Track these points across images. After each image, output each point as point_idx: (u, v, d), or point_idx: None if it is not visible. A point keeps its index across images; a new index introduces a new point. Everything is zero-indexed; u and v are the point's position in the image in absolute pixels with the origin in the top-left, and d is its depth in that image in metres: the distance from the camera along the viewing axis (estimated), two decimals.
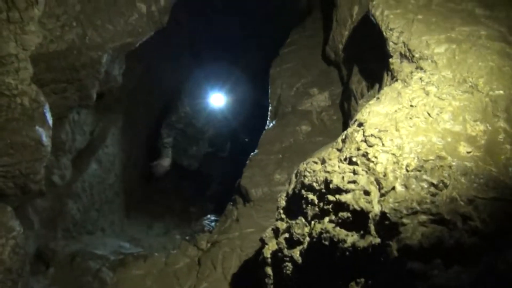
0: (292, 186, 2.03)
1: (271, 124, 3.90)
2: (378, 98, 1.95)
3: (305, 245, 1.73)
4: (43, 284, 3.73)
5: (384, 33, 2.36)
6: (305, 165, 1.94)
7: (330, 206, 1.68)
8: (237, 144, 6.19)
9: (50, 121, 3.63)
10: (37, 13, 3.15)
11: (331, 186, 1.70)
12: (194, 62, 6.09)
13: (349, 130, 1.87)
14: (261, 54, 5.00)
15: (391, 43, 2.29)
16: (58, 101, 4.28)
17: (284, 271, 1.81)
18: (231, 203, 3.45)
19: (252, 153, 3.63)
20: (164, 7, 4.16)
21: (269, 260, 1.95)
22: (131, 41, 4.28)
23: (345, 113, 3.42)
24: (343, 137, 1.90)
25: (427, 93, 1.84)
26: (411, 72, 2.05)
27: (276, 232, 1.96)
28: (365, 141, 1.72)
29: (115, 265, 3.70)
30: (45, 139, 3.52)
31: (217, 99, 5.85)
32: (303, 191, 1.86)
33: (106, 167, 5.98)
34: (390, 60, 2.30)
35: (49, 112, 3.60)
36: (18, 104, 3.38)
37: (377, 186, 1.59)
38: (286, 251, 1.78)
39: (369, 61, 3.05)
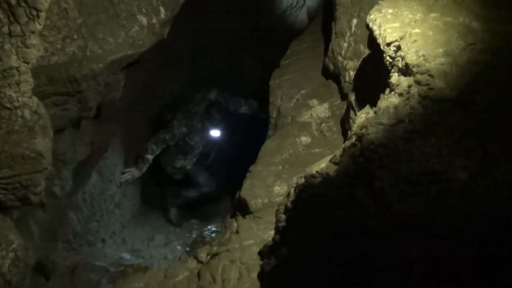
0: (291, 199, 2.04)
1: (271, 136, 3.91)
2: (375, 112, 1.97)
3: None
4: None
5: (382, 47, 2.38)
6: (303, 179, 1.95)
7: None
8: (221, 152, 6.16)
9: (51, 133, 3.65)
10: (38, 26, 3.17)
11: None
12: (194, 75, 6.09)
13: (347, 143, 1.88)
14: (261, 65, 5.02)
15: (388, 57, 2.32)
16: (59, 113, 4.31)
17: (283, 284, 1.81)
18: (230, 214, 3.45)
19: (252, 165, 3.64)
20: (164, 19, 4.19)
21: (268, 275, 1.95)
22: (132, 53, 4.31)
23: (344, 124, 3.44)
24: (341, 151, 1.92)
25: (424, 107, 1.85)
26: (409, 86, 2.06)
27: (275, 247, 1.97)
28: (363, 155, 1.73)
29: (115, 277, 3.70)
30: (46, 151, 3.54)
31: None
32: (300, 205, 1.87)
33: (107, 178, 5.98)
34: (389, 74, 2.32)
35: (49, 124, 3.62)
36: (19, 117, 3.40)
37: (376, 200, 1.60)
38: (283, 266, 1.79)
39: (368, 73, 3.07)
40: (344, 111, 3.65)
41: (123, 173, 5.68)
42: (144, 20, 4.01)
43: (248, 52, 5.76)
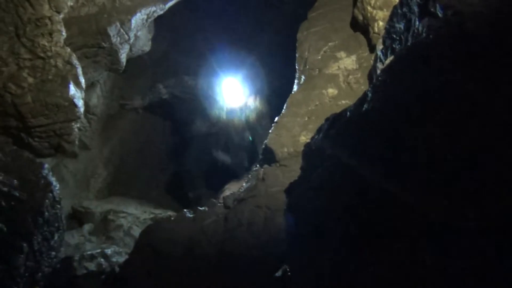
0: (316, 137, 2.07)
1: (298, 87, 3.91)
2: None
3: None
4: (77, 239, 3.91)
5: None
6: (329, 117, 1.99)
7: None
8: None
9: (83, 84, 3.75)
10: None
11: None
12: (219, 31, 6.01)
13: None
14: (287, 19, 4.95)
15: (418, 1, 2.28)
16: (89, 65, 4.40)
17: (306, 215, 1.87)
18: (257, 164, 3.51)
19: (278, 116, 3.67)
20: None
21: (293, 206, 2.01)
22: (160, 5, 4.33)
23: (372, 76, 3.42)
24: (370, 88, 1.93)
25: None
26: (440, 27, 2.03)
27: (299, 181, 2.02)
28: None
29: (145, 222, 3.85)
30: (78, 100, 3.64)
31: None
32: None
33: (136, 133, 6.13)
34: (419, 18, 2.29)
35: (81, 75, 3.71)
36: (52, 66, 3.49)
37: None
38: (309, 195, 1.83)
39: (397, 22, 3.02)
40: (372, 63, 3.61)
41: None
42: None
43: (276, 5, 5.66)
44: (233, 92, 6.43)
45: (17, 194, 2.89)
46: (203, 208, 3.17)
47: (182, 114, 6.62)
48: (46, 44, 3.43)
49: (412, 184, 1.41)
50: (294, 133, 3.42)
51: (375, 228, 1.39)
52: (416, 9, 2.42)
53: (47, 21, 3.36)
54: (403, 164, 1.46)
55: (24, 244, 2.81)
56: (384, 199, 1.43)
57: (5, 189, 2.82)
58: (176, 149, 6.62)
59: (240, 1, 5.74)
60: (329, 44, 4.06)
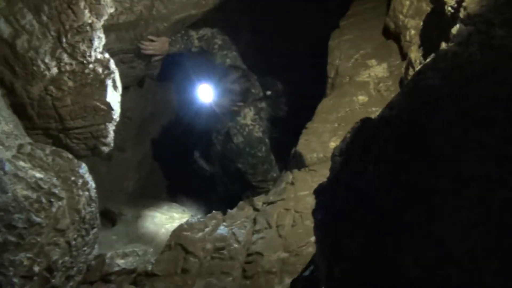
0: (346, 142, 2.12)
1: (328, 95, 3.97)
2: (433, 59, 1.99)
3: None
4: (109, 238, 4.04)
5: None
6: (358, 123, 2.03)
7: None
8: None
9: (120, 88, 3.89)
10: None
11: None
12: (251, 40, 6.09)
13: (403, 89, 1.92)
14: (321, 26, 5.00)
15: (449, 8, 2.31)
16: (125, 70, 4.56)
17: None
18: (286, 168, 3.57)
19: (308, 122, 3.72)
20: None
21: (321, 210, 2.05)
22: (195, 12, 4.46)
23: (402, 83, 3.44)
24: (396, 96, 1.96)
25: None
26: (470, 35, 2.06)
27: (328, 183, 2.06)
28: (419, 97, 1.78)
29: (175, 223, 3.95)
30: (115, 104, 3.79)
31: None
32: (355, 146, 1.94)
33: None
34: (450, 26, 2.32)
35: (119, 80, 3.85)
36: (92, 71, 3.65)
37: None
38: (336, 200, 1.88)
39: (429, 30, 3.05)
40: (403, 70, 3.63)
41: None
42: None
43: (307, 13, 5.72)
44: None
45: (57, 192, 3.02)
46: (233, 210, 3.25)
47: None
48: (86, 49, 3.59)
49: None
50: (324, 139, 3.47)
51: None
52: (447, 17, 2.44)
53: (88, 28, 3.51)
54: None
55: (61, 239, 2.94)
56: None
57: (46, 186, 2.95)
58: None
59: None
60: (360, 52, 4.11)
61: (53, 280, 2.80)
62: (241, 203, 3.40)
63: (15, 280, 2.49)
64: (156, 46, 4.41)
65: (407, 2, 3.59)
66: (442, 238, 1.39)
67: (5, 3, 3.09)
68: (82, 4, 3.39)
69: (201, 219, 3.26)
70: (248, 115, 4.59)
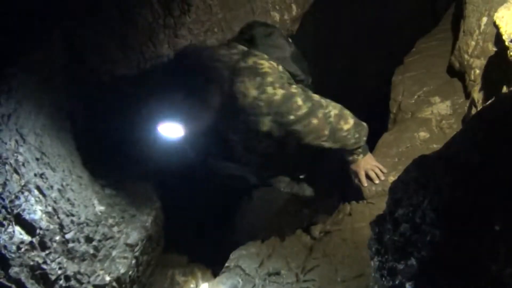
0: (405, 175, 2.19)
1: (390, 130, 4.02)
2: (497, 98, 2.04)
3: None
4: None
5: (506, 43, 2.42)
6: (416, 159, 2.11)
7: None
8: None
9: None
10: (188, 19, 3.64)
11: None
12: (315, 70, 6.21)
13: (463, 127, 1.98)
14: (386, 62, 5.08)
15: (511, 53, 2.36)
16: None
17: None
18: (344, 199, 3.64)
19: None
20: (295, 16, 4.48)
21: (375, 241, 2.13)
22: None
23: (465, 120, 3.45)
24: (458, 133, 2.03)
25: None
26: None
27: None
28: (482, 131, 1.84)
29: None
30: None
31: None
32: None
33: None
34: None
35: None
36: None
37: None
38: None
39: (493, 72, 3.07)
40: (466, 109, 3.64)
41: None
42: (277, 16, 4.32)
43: (371, 48, 5.82)
44: None
45: (128, 209, 3.27)
46: (290, 236, 3.36)
47: None
48: None
49: None
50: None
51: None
52: (509, 60, 2.47)
53: (165, 59, 3.79)
54: None
55: (129, 255, 3.16)
56: None
57: (119, 203, 3.21)
58: None
59: None
60: (424, 89, 4.14)
61: None
62: (298, 231, 3.49)
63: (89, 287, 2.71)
64: None
65: (473, 43, 3.62)
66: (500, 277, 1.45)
67: None
68: (161, 37, 3.68)
69: (261, 242, 3.38)
70: None
